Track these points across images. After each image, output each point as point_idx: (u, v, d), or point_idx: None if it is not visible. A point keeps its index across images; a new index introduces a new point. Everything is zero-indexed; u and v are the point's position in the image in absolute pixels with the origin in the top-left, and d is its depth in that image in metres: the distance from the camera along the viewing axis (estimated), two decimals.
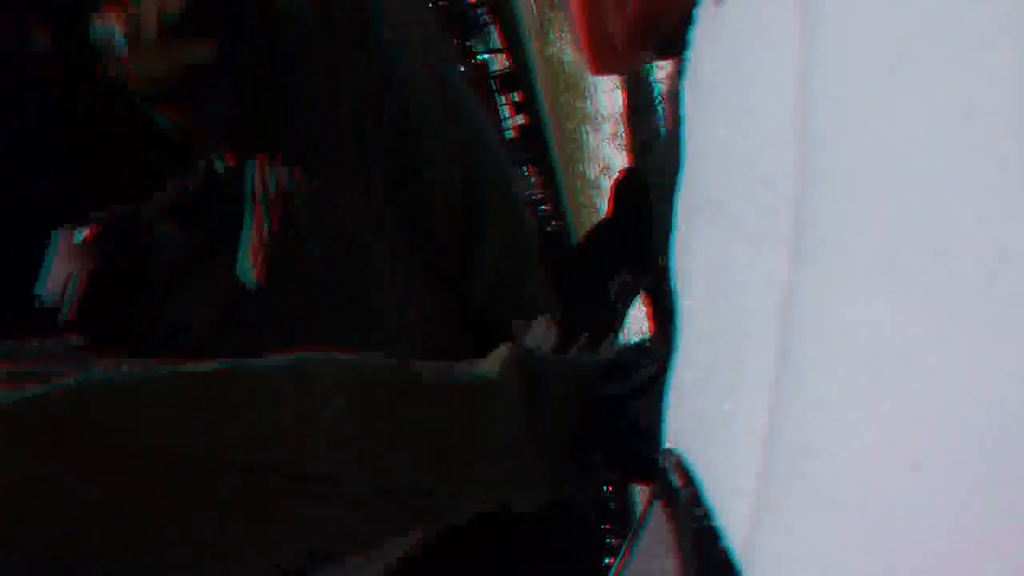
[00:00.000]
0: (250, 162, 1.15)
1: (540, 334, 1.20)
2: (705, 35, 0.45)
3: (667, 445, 0.65)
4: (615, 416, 0.87)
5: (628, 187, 1.28)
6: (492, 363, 0.92)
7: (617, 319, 1.23)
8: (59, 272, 1.06)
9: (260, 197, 1.13)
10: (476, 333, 1.19)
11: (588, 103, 1.70)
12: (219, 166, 1.23)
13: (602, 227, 1.33)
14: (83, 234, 1.08)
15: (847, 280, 0.34)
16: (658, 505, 0.68)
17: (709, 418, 0.47)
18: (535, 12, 1.81)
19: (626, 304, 1.22)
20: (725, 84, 0.43)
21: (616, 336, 1.27)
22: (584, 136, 1.79)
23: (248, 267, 1.15)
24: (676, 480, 0.57)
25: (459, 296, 1.17)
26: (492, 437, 0.86)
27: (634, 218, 1.22)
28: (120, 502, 0.69)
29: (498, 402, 0.87)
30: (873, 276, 0.33)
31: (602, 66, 0.60)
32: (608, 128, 1.61)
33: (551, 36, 1.79)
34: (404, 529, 0.84)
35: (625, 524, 1.65)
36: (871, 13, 0.32)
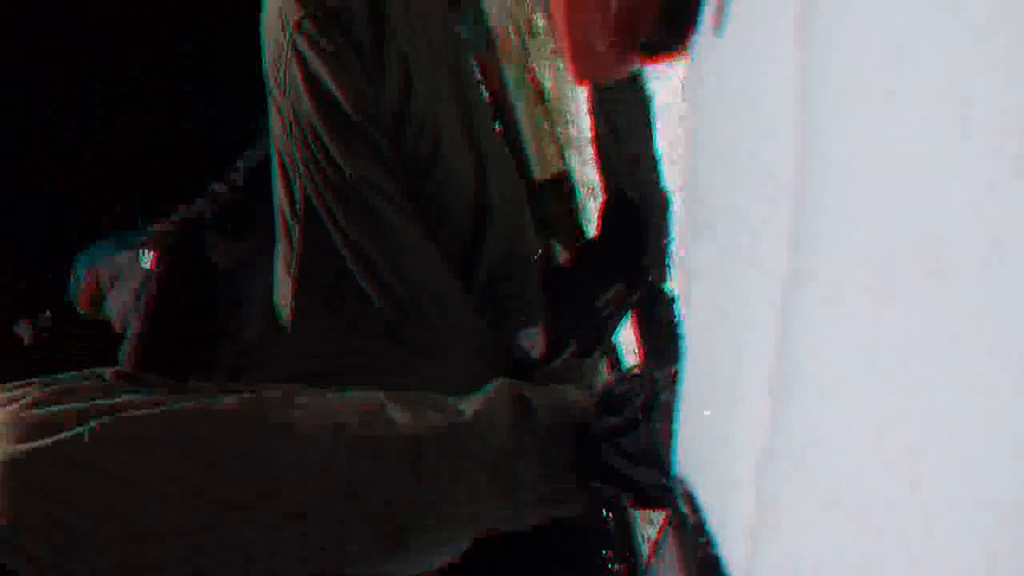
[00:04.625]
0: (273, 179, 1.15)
1: (530, 342, 1.20)
2: (705, 34, 0.45)
3: (677, 472, 0.65)
4: (614, 448, 0.88)
5: (616, 205, 1.28)
6: (481, 393, 0.92)
7: (607, 331, 1.23)
8: (121, 292, 1.07)
9: (286, 213, 1.13)
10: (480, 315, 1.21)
11: (571, 126, 1.71)
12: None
13: (592, 245, 1.32)
14: (148, 258, 1.10)
15: (845, 269, 0.34)
16: (670, 531, 0.69)
17: (711, 409, 0.47)
18: (515, 39, 1.83)
19: (618, 316, 1.22)
20: (727, 80, 0.43)
21: (604, 349, 1.27)
22: (569, 159, 1.79)
23: (283, 277, 1.14)
24: (684, 507, 0.58)
25: (467, 280, 1.20)
26: (476, 463, 0.86)
27: (624, 235, 1.22)
28: (141, 525, 0.75)
29: (482, 428, 0.87)
30: (871, 266, 0.33)
31: (586, 70, 0.60)
32: (591, 150, 1.62)
33: (531, 62, 1.81)
34: (374, 546, 0.85)
35: (625, 548, 1.63)
36: (870, 7, 0.32)
